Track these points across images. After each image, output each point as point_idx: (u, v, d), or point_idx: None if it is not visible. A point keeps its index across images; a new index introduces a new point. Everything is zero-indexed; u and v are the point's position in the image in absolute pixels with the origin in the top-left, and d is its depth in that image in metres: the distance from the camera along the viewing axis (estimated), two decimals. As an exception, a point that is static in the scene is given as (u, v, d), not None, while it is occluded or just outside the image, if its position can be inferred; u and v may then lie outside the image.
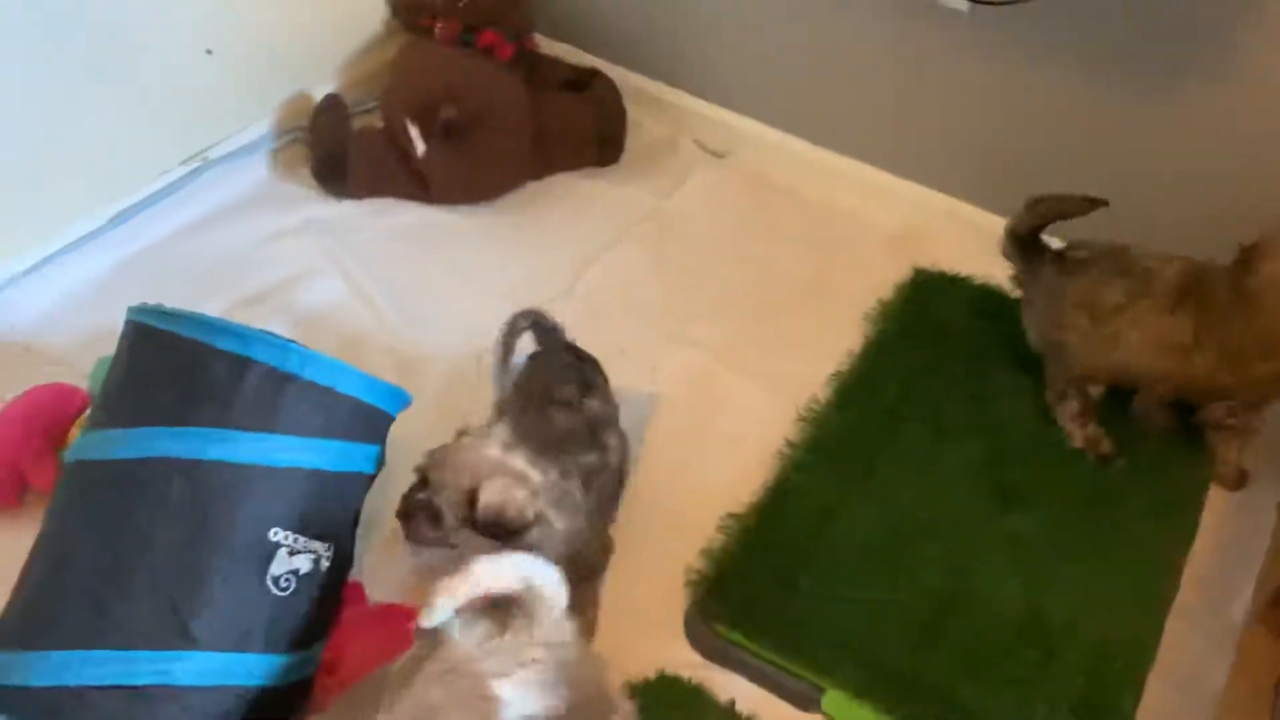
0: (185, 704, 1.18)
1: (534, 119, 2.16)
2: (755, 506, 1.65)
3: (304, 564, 1.28)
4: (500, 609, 1.16)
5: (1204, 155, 1.79)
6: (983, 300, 1.96)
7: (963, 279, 2.00)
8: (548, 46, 2.39)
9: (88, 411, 1.59)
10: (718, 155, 2.31)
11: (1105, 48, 1.79)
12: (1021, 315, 1.77)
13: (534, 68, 2.27)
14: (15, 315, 1.87)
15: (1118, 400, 1.76)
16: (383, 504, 1.52)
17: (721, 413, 1.81)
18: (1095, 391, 1.73)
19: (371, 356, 1.85)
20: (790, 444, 1.74)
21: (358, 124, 2.17)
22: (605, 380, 1.62)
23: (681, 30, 2.25)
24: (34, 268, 1.90)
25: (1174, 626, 1.53)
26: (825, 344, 1.89)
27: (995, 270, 1.87)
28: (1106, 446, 1.71)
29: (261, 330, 1.31)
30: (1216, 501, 1.69)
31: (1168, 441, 1.75)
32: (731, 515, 1.64)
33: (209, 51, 2.03)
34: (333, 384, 1.31)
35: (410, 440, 1.46)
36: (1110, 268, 1.63)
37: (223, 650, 1.21)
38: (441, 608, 1.10)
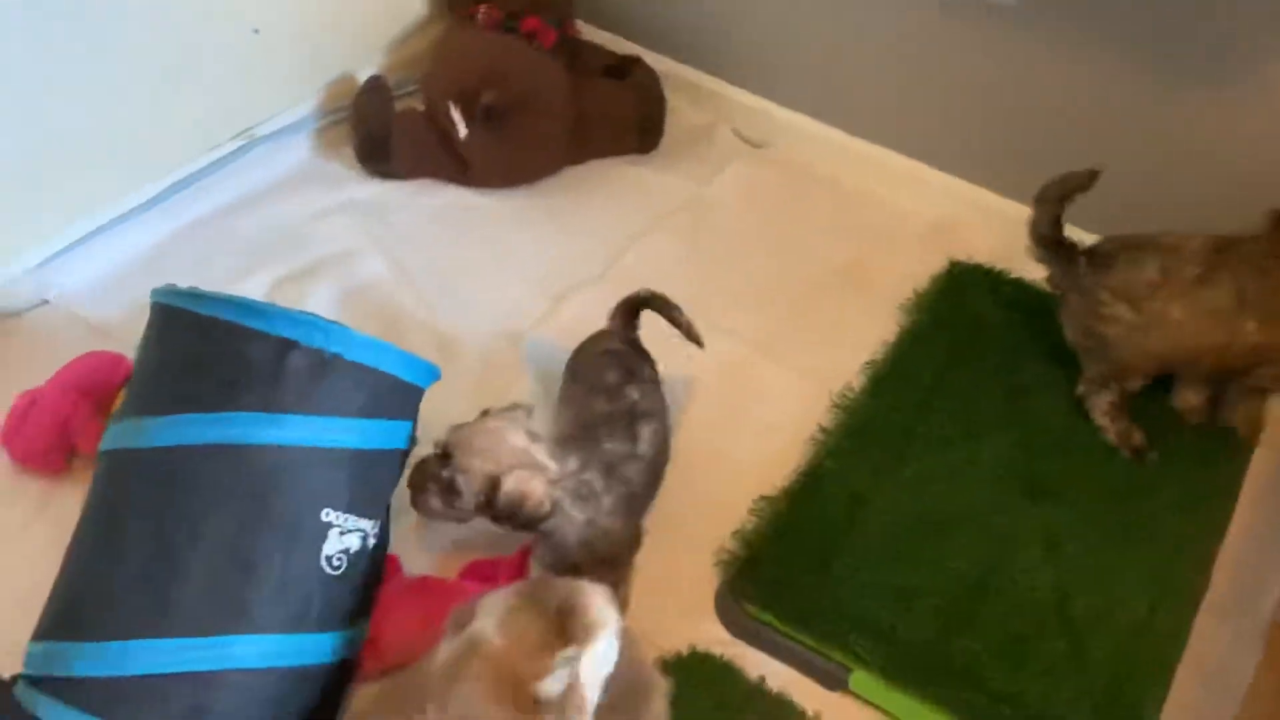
0: (246, 686, 1.19)
1: (574, 105, 2.18)
2: (787, 490, 1.66)
3: (354, 542, 1.29)
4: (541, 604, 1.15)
5: (1246, 154, 1.79)
6: (1017, 293, 1.97)
7: (998, 272, 2.01)
8: (589, 33, 2.41)
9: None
10: (756, 145, 2.32)
11: (1147, 42, 1.80)
12: (1060, 314, 1.77)
13: (575, 54, 2.29)
14: (65, 285, 1.90)
15: (1148, 394, 1.76)
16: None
17: (755, 399, 1.83)
18: (1134, 386, 1.72)
19: (410, 334, 1.88)
20: (823, 430, 1.75)
21: (400, 106, 2.19)
22: (653, 373, 1.63)
23: (723, 19, 2.26)
24: (83, 239, 1.93)
25: (1203, 620, 1.54)
26: (859, 334, 1.91)
27: (1031, 264, 1.87)
28: (1139, 440, 1.72)
29: (301, 311, 1.31)
30: (1249, 496, 1.70)
31: (1200, 435, 1.75)
32: (764, 498, 1.65)
33: (256, 31, 2.05)
34: (373, 362, 1.31)
35: (445, 419, 1.47)
36: (1136, 252, 1.64)
37: (281, 632, 1.21)
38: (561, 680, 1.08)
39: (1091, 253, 1.70)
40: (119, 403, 1.60)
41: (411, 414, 1.41)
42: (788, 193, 2.21)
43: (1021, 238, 1.82)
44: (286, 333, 1.25)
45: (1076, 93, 1.90)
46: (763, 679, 1.46)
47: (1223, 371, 1.69)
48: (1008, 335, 1.90)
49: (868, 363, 1.86)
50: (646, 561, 1.56)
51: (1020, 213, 2.00)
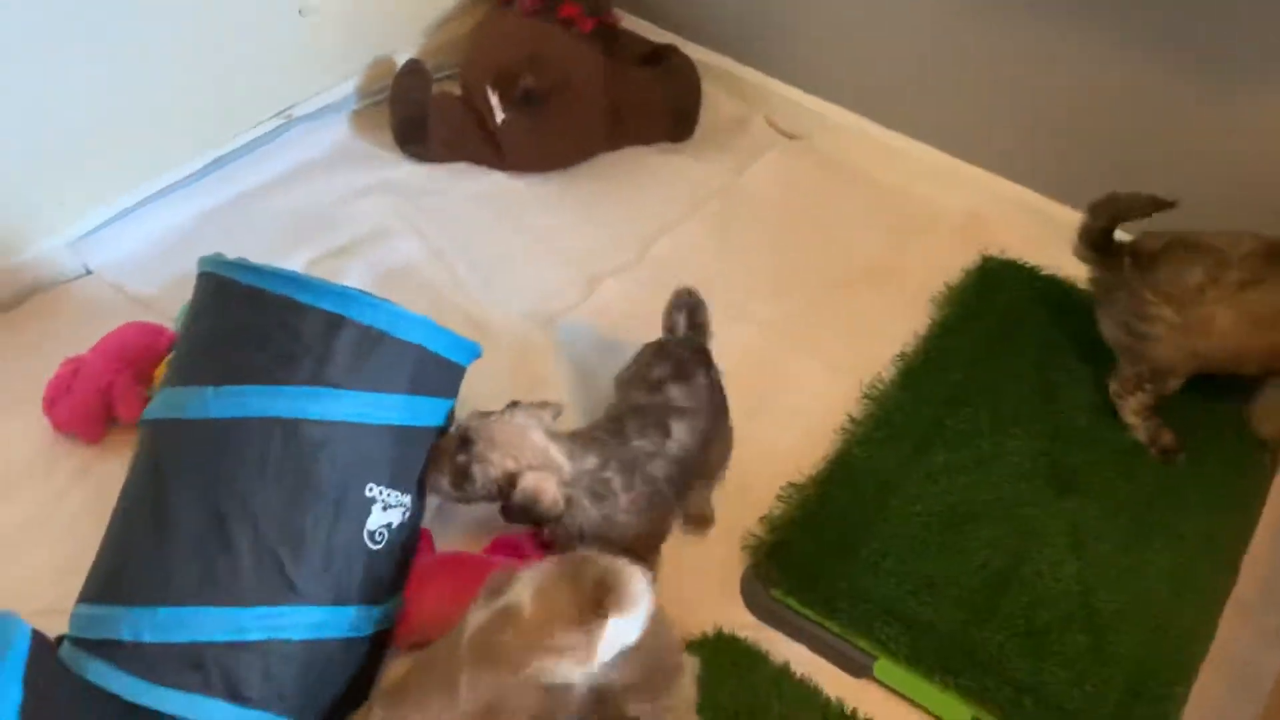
0: (290, 656, 1.21)
1: (610, 92, 2.19)
2: (815, 478, 1.67)
3: (395, 517, 1.31)
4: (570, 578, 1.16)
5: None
6: (1049, 290, 1.98)
7: (1030, 268, 2.01)
8: (627, 21, 2.42)
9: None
10: (790, 136, 2.33)
11: (1186, 40, 1.79)
12: (1097, 314, 1.77)
13: (612, 41, 2.30)
14: (107, 257, 1.93)
15: (1179, 395, 1.76)
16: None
17: (785, 388, 1.84)
18: (1171, 387, 1.72)
19: (443, 316, 1.82)
20: (852, 420, 1.76)
21: (438, 90, 2.21)
22: (709, 376, 1.58)
23: (760, 9, 2.27)
24: (125, 213, 1.96)
25: (1228, 618, 1.54)
26: (890, 325, 1.92)
27: (1064, 261, 1.88)
28: (1169, 441, 1.72)
29: (351, 287, 1.33)
30: (1277, 498, 1.70)
31: (1229, 435, 1.75)
32: (791, 485, 1.67)
33: (300, 12, 2.08)
34: (419, 339, 1.33)
35: (475, 400, 1.49)
36: (1184, 254, 1.63)
37: (325, 604, 1.23)
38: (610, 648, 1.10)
39: (1136, 251, 1.69)
40: (160, 372, 1.64)
41: (453, 392, 1.43)
42: (821, 184, 2.22)
43: (1055, 234, 1.82)
44: (337, 308, 1.26)
45: (1115, 90, 1.90)
46: (787, 663, 1.47)
47: (1266, 374, 1.69)
48: (1039, 330, 1.91)
49: (898, 354, 1.86)
50: (674, 545, 1.57)
51: (1055, 209, 2.03)
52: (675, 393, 1.52)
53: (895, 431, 1.73)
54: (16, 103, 1.72)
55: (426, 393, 1.35)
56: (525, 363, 1.84)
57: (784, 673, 1.46)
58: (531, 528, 1.51)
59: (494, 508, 1.43)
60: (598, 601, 1.09)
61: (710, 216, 2.14)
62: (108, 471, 1.56)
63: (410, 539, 1.37)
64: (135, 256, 1.95)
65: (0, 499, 1.59)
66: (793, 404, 1.80)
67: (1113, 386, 1.76)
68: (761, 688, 1.44)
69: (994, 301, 1.95)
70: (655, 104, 2.25)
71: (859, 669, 1.47)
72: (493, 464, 1.36)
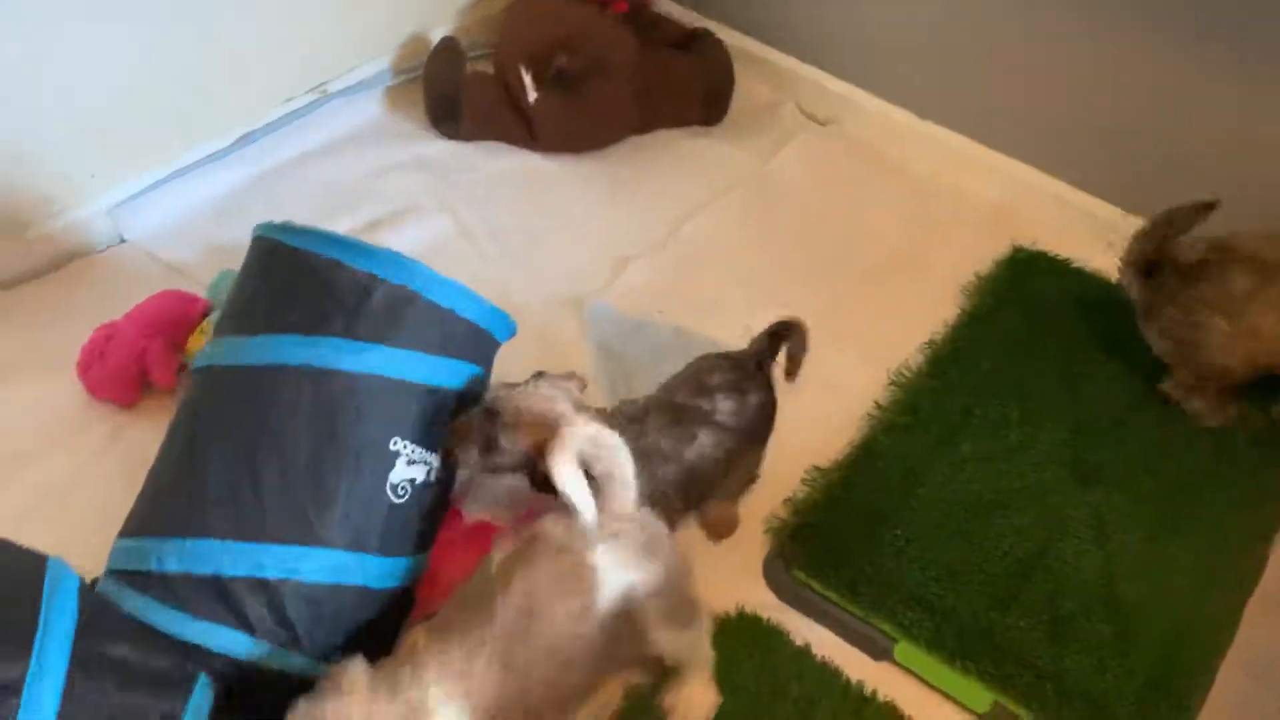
0: (307, 597, 1.24)
1: (642, 74, 2.19)
2: (841, 463, 1.68)
3: (419, 474, 1.33)
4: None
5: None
6: (1079, 282, 1.97)
7: (1062, 260, 2.01)
8: (661, 5, 2.42)
9: (210, 317, 1.67)
10: (821, 122, 2.32)
11: (1228, 35, 1.78)
12: (1141, 327, 1.76)
13: (646, 24, 2.30)
14: (143, 225, 1.95)
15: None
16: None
17: (812, 373, 1.80)
18: (1231, 383, 1.73)
19: None
20: (879, 407, 1.76)
21: (471, 69, 2.22)
22: (759, 397, 1.52)
23: (795, -5, 2.27)
24: (161, 181, 1.98)
25: (1253, 613, 1.54)
26: (919, 313, 1.91)
27: (1095, 253, 1.88)
28: (1241, 413, 1.74)
29: (389, 250, 1.35)
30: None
31: (1256, 431, 1.75)
32: (816, 469, 1.67)
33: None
34: (452, 305, 1.36)
35: (502, 377, 1.48)
36: (1226, 263, 1.64)
37: (344, 549, 1.27)
38: (580, 491, 1.18)
39: (1176, 264, 1.69)
40: (194, 340, 1.65)
41: (484, 361, 1.45)
42: (851, 170, 2.22)
43: (1087, 227, 1.82)
44: (373, 268, 1.31)
45: (1153, 83, 1.89)
46: (808, 645, 1.48)
47: None
48: (1068, 322, 1.90)
49: (926, 343, 1.86)
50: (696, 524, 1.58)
51: (1088, 202, 2.02)
52: (723, 404, 1.48)
53: (922, 419, 1.73)
54: (56, 72, 1.74)
55: (457, 356, 1.37)
56: (551, 342, 1.84)
57: (804, 654, 1.46)
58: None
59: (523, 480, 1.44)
60: None
61: (739, 201, 2.15)
62: (140, 436, 1.58)
63: (435, 501, 1.39)
64: (170, 226, 1.96)
65: (34, 462, 1.61)
66: (820, 389, 1.79)
67: (1168, 388, 1.76)
68: (782, 668, 1.45)
69: (1024, 292, 1.95)
70: (687, 88, 2.25)
71: (880, 652, 1.48)
72: (520, 434, 1.36)
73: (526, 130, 2.19)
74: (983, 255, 2.01)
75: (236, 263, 1.77)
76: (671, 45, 2.31)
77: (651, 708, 1.38)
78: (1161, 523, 1.63)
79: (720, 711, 1.38)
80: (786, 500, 1.63)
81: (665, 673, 1.39)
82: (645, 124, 2.26)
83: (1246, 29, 1.76)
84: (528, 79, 2.13)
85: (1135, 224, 1.74)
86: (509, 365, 1.54)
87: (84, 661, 1.07)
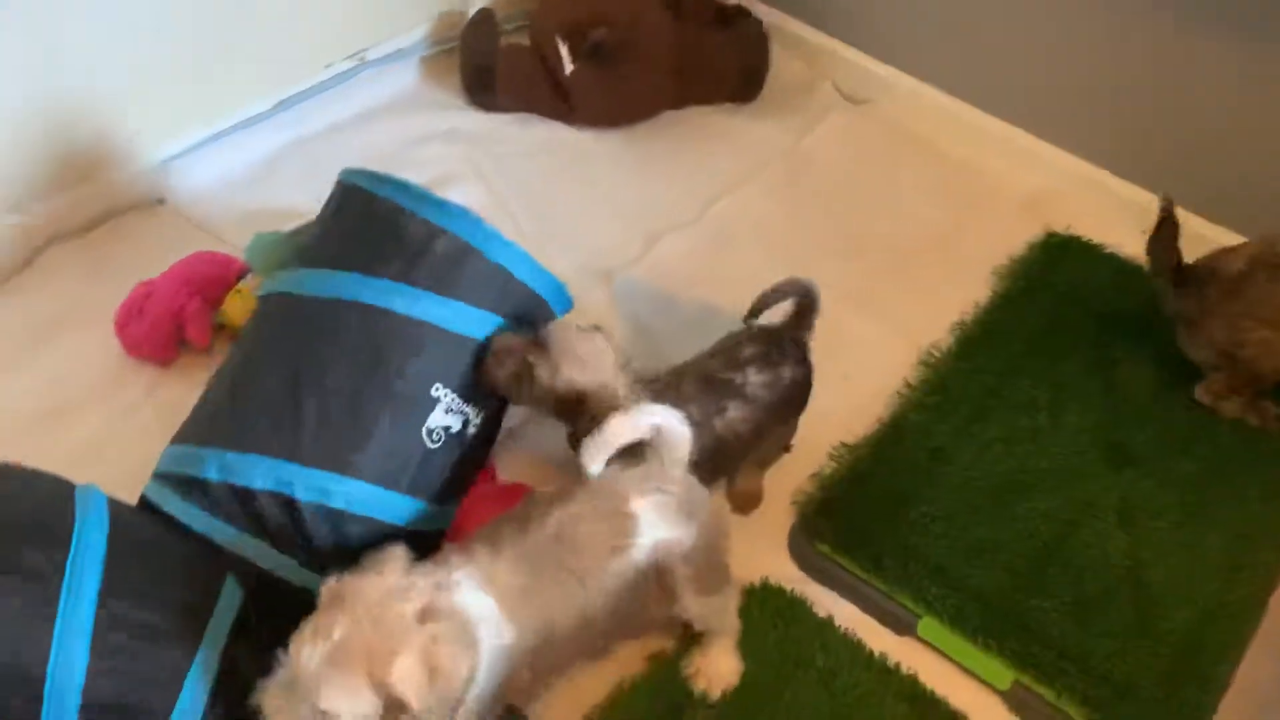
0: (335, 525, 1.28)
1: (678, 50, 2.19)
2: (869, 439, 1.68)
3: (455, 423, 1.36)
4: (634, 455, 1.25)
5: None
6: (1112, 268, 1.96)
7: (1095, 245, 2.00)
8: (698, -19, 2.41)
9: (245, 279, 1.69)
10: (856, 102, 2.31)
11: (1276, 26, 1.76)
12: (1179, 336, 1.75)
13: (684, 0, 2.30)
14: (182, 187, 1.97)
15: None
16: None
17: (842, 350, 1.83)
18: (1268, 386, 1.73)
19: None
20: (909, 385, 1.77)
21: (507, 41, 2.23)
22: (793, 371, 1.52)
23: (834, -26, 2.26)
24: (199, 144, 2.00)
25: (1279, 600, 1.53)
26: (950, 294, 1.91)
27: (1128, 240, 1.87)
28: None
29: (461, 206, 1.38)
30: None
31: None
32: (844, 445, 1.68)
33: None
34: (513, 268, 1.38)
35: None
36: (1267, 272, 1.63)
37: (374, 484, 1.30)
38: (598, 458, 1.20)
39: (1218, 276, 1.67)
40: (231, 299, 1.67)
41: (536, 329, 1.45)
42: (886, 150, 2.21)
43: (1122, 213, 1.81)
44: (442, 220, 1.34)
45: (1196, 72, 1.87)
46: (831, 618, 1.49)
47: None
48: (1100, 308, 1.89)
49: (957, 323, 1.86)
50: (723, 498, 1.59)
51: (1123, 188, 2.01)
52: (754, 378, 1.47)
53: (950, 398, 1.74)
54: (96, 34, 1.76)
55: (510, 317, 1.39)
56: (581, 314, 1.83)
57: (828, 626, 1.47)
58: None
59: (561, 439, 1.45)
60: None
61: (773, 178, 2.14)
62: (175, 393, 1.60)
63: (469, 453, 1.40)
64: (208, 188, 1.98)
65: (71, 417, 1.64)
66: (849, 366, 1.80)
67: (1202, 393, 1.75)
68: (805, 640, 1.46)
69: (1056, 276, 1.94)
70: (722, 64, 2.25)
71: (903, 627, 1.48)
72: (563, 373, 1.36)
73: (561, 103, 2.19)
74: (1016, 238, 2.01)
75: (273, 225, 1.80)
76: (709, 21, 2.31)
77: (676, 673, 1.40)
78: (1189, 508, 1.63)
79: (743, 680, 1.40)
80: (813, 475, 1.64)
81: (690, 639, 1.41)
82: (680, 99, 2.26)
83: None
84: (564, 51, 2.13)
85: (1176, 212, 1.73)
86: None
87: (118, 551, 1.13)
